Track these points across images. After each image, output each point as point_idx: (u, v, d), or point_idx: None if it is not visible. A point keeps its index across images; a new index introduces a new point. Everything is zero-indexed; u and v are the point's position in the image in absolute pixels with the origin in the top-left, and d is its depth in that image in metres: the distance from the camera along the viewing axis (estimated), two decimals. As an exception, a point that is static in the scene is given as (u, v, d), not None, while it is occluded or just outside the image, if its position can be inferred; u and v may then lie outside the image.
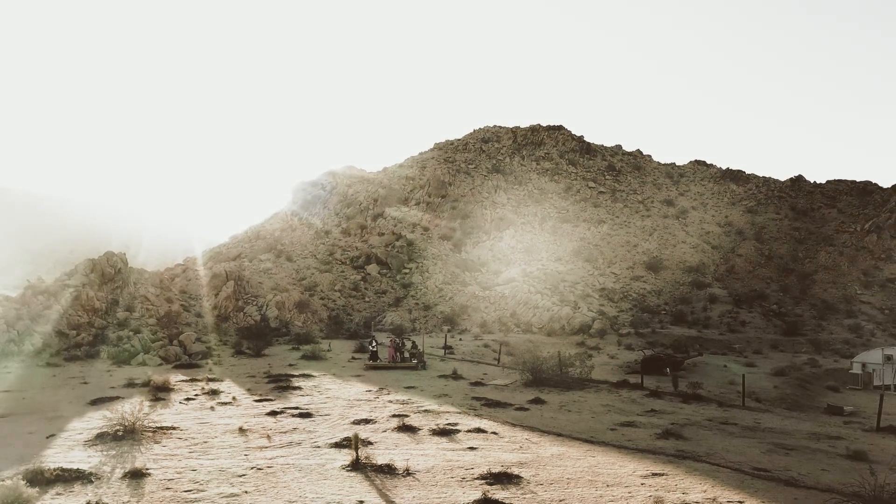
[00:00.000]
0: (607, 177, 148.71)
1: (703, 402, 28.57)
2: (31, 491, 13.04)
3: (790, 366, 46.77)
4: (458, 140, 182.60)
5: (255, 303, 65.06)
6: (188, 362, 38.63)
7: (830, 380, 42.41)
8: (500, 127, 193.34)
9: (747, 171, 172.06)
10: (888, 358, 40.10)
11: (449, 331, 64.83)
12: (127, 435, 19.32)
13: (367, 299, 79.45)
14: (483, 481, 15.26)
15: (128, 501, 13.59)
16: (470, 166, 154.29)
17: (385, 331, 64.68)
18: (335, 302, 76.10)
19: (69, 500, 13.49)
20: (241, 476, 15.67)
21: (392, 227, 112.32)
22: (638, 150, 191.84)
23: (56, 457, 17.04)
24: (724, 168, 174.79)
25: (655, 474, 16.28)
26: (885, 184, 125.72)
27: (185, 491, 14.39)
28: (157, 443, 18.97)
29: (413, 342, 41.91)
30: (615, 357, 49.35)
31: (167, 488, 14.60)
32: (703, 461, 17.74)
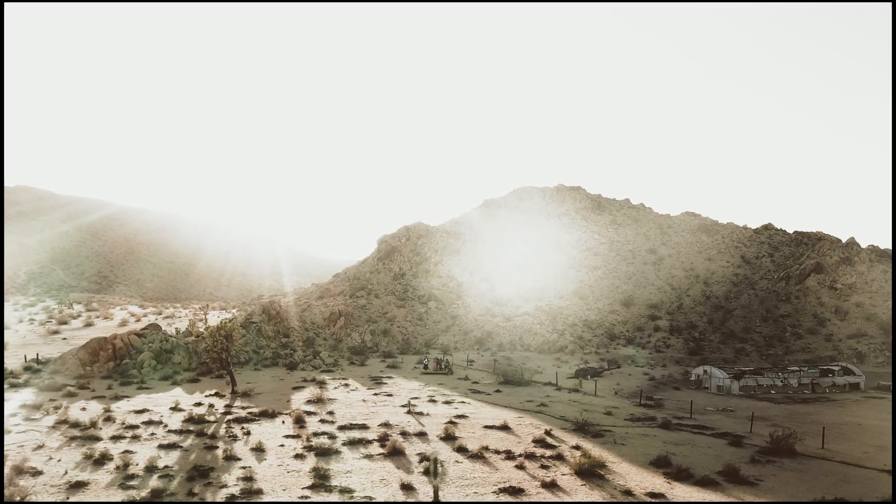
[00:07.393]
0: (610, 230, 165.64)
1: (578, 392, 47.73)
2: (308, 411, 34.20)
3: (665, 374, 63.73)
4: (500, 198, 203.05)
5: (357, 330, 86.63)
6: (327, 369, 59.86)
7: (679, 384, 59.16)
8: (533, 187, 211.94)
9: (724, 222, 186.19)
10: (705, 371, 57.63)
11: (477, 349, 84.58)
12: (318, 401, 40.48)
13: (427, 327, 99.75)
14: (454, 417, 35.52)
15: (333, 419, 34.53)
16: (507, 222, 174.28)
17: (437, 348, 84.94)
18: (406, 329, 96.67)
19: (315, 419, 34.53)
20: (367, 414, 36.43)
21: (448, 272, 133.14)
22: (641, 204, 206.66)
23: (298, 406, 38.20)
24: (706, 218, 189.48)
25: (520, 417, 36.04)
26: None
27: (351, 417, 35.22)
28: (332, 404, 39.99)
29: (446, 360, 61.99)
30: (572, 368, 67.79)
31: (343, 416, 35.50)
32: (544, 414, 37.38)
